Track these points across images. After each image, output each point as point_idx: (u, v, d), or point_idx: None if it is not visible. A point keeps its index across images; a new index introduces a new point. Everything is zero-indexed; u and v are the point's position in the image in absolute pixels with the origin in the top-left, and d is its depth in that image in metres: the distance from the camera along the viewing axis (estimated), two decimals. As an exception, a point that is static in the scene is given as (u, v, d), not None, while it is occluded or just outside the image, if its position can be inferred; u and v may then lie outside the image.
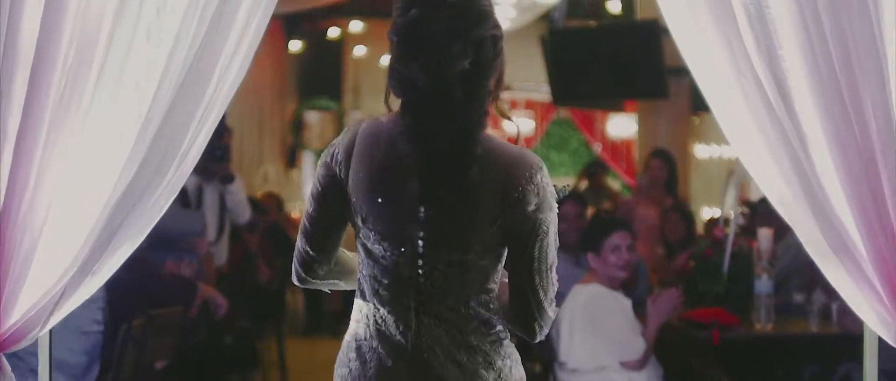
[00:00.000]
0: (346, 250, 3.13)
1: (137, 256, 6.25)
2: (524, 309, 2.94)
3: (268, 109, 17.89)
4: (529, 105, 18.84)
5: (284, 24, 17.00)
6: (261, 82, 17.48)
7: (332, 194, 2.95)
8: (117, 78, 3.36)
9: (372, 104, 18.13)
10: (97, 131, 3.37)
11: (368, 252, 2.95)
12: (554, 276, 2.95)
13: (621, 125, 18.64)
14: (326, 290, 3.20)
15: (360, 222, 2.92)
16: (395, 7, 2.87)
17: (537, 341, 3.02)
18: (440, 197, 2.83)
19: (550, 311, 2.96)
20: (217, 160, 8.26)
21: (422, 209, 2.86)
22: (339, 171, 2.92)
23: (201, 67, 3.36)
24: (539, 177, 2.88)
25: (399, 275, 2.91)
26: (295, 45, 16.50)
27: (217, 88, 3.41)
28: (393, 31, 2.85)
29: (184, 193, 7.86)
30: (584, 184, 12.97)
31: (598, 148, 19.56)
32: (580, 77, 12.14)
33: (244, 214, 8.87)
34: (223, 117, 7.87)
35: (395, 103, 2.90)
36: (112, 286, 5.84)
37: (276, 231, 11.07)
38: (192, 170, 3.50)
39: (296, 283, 3.12)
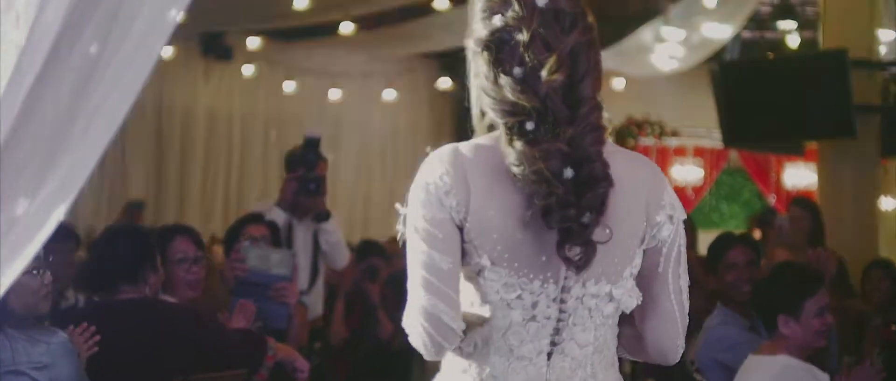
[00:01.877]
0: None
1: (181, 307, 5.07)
2: (670, 332, 2.75)
3: (423, 151, 16.92)
4: (698, 152, 17.73)
5: (440, 63, 15.89)
6: (417, 122, 16.59)
7: (451, 237, 2.59)
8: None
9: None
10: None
11: (499, 298, 2.61)
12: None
13: (799, 175, 17.25)
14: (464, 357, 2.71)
15: (488, 265, 2.59)
16: (475, 12, 2.61)
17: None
18: (585, 224, 2.50)
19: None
20: (310, 194, 7.20)
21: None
22: (456, 211, 2.58)
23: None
24: (665, 180, 2.72)
25: (536, 316, 2.62)
26: (444, 83, 15.19)
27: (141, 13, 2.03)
28: (477, 43, 2.59)
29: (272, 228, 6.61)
30: (757, 234, 11.58)
31: (772, 200, 18.14)
32: (755, 115, 10.91)
33: (341, 258, 7.74)
34: (316, 145, 6.43)
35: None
36: (141, 342, 4.73)
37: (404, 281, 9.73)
38: (95, 159, 2.08)
39: (432, 357, 2.69)
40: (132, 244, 4.88)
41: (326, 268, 7.69)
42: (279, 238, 6.54)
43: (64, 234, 5.45)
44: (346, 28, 12.79)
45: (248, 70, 14.92)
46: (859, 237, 10.16)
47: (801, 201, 9.39)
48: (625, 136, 17.15)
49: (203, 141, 15.39)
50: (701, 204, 17.64)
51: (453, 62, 15.84)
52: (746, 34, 15.02)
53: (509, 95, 2.50)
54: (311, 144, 7.26)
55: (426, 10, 12.62)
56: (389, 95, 15.51)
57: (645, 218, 2.62)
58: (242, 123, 15.24)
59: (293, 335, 6.00)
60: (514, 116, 2.51)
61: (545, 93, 2.48)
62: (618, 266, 2.60)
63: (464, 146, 2.61)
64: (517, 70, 2.50)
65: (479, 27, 2.58)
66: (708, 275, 5.99)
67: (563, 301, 2.60)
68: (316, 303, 7.46)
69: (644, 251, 2.65)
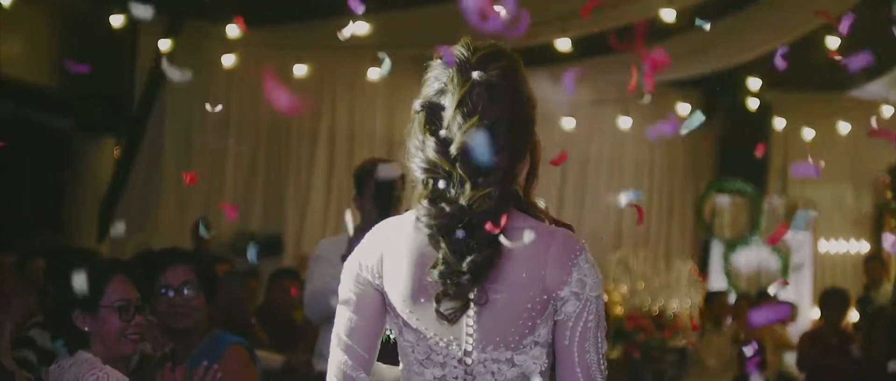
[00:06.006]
0: (380, 363, 2.82)
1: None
2: None
3: (679, 190, 15.15)
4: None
5: (703, 95, 14.39)
6: (673, 159, 14.78)
7: (370, 302, 2.72)
8: None
9: (798, 189, 14.80)
10: None
11: (414, 357, 2.70)
12: (604, 362, 2.67)
13: None
14: None
15: (402, 326, 2.69)
16: (425, 79, 2.70)
17: None
18: (481, 291, 2.58)
19: None
20: None
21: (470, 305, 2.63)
22: (375, 279, 2.71)
23: None
24: (583, 258, 2.63)
25: (446, 376, 2.66)
26: (683, 109, 13.10)
27: None
28: (417, 105, 2.68)
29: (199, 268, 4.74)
30: None
31: None
32: None
33: None
34: (392, 186, 5.62)
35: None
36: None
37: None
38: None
39: None
40: None
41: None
42: (211, 280, 4.68)
43: None
44: (564, 45, 10.91)
45: (479, 98, 13.30)
46: None
47: None
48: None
49: (435, 170, 14.00)
50: None
51: (717, 94, 13.83)
52: None
53: (430, 154, 2.58)
54: (387, 187, 5.29)
55: (655, 31, 10.61)
56: (625, 123, 13.56)
57: (543, 291, 2.58)
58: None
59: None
60: (430, 174, 2.59)
61: (456, 155, 2.54)
62: (515, 335, 2.60)
63: (391, 219, 2.71)
64: (442, 132, 2.58)
65: (423, 91, 2.65)
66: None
67: (467, 363, 2.63)
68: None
69: (556, 322, 2.62)
